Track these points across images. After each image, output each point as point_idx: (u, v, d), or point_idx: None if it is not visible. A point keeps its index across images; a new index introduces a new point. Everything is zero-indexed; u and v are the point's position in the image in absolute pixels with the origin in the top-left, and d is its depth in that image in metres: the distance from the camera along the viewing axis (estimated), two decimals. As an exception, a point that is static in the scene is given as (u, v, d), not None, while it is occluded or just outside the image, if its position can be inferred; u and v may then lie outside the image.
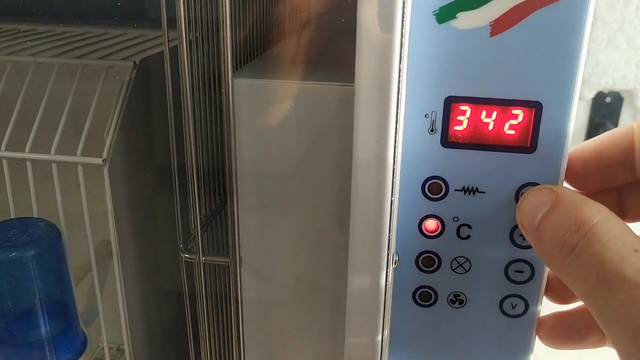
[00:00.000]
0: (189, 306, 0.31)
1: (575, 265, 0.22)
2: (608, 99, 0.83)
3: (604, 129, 0.83)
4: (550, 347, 0.29)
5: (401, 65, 0.23)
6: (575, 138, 0.25)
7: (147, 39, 0.46)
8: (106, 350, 0.41)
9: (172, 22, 0.28)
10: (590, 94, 0.82)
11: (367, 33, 0.23)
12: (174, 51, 0.28)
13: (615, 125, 0.85)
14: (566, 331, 0.29)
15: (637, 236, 0.22)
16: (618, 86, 0.82)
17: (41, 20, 0.50)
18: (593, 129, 0.83)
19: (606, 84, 0.82)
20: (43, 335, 0.35)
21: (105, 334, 0.40)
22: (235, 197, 0.28)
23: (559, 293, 0.29)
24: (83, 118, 0.37)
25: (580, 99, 0.25)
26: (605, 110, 0.83)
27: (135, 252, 0.41)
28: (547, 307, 0.30)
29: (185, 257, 0.29)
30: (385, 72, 0.23)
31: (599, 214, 0.22)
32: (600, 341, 0.28)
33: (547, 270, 0.28)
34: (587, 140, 0.27)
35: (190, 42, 0.28)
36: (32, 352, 0.35)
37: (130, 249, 0.40)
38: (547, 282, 0.28)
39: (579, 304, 0.29)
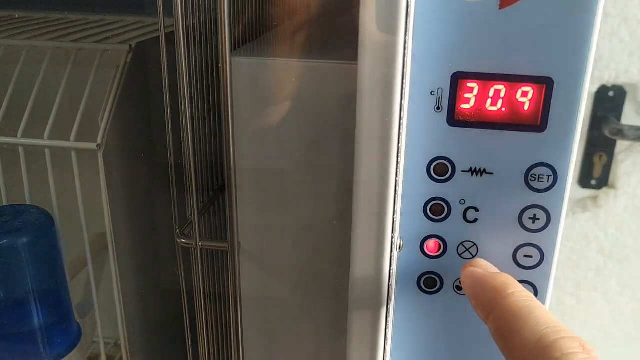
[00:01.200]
0: (186, 295, 0.30)
1: None
2: (611, 93, 0.82)
3: (607, 122, 0.83)
4: None
5: (406, 39, 0.22)
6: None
7: (144, 25, 0.45)
8: (101, 343, 0.40)
9: (169, 8, 0.27)
10: (593, 88, 0.81)
11: (370, 7, 0.22)
12: (171, 36, 0.27)
13: (618, 119, 0.84)
14: None
15: None
16: (621, 80, 0.81)
17: (37, 8, 0.49)
18: (596, 123, 0.82)
19: (609, 78, 0.81)
20: (36, 325, 0.34)
21: (100, 327, 0.39)
22: (233, 181, 0.27)
23: None
24: (77, 104, 0.36)
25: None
26: (608, 104, 0.82)
27: (131, 242, 0.40)
28: (557, 294, 0.29)
29: (182, 242, 0.28)
30: (390, 47, 0.23)
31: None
32: None
33: (557, 255, 0.27)
34: None
35: (187, 26, 0.27)
36: (24, 343, 0.34)
37: (125, 238, 0.39)
38: None
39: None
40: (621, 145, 0.77)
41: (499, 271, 0.25)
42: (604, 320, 0.72)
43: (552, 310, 0.28)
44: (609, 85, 0.82)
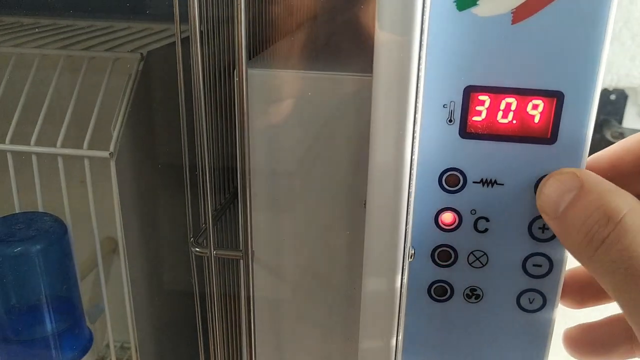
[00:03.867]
0: (199, 301, 0.31)
1: (604, 259, 0.21)
2: (613, 97, 0.83)
3: (609, 126, 0.83)
4: (577, 358, 0.29)
5: (420, 54, 0.23)
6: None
7: (153, 32, 0.45)
8: (112, 348, 0.40)
9: (181, 15, 0.27)
10: (595, 91, 0.82)
11: (385, 21, 0.23)
12: (184, 43, 0.27)
13: (620, 123, 0.85)
14: (593, 343, 0.28)
15: None
16: (623, 83, 0.81)
17: (44, 14, 0.49)
18: (598, 127, 0.82)
19: (611, 82, 0.81)
20: (48, 331, 0.34)
21: (111, 331, 0.40)
22: (247, 189, 0.27)
23: (571, 297, 0.29)
24: (89, 111, 0.36)
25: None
26: (610, 107, 0.83)
27: (141, 249, 0.40)
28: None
29: (196, 252, 0.28)
30: (404, 62, 0.23)
31: (628, 205, 0.21)
32: (629, 352, 0.27)
33: (566, 264, 0.27)
34: (601, 151, 0.27)
35: (201, 33, 0.27)
36: (38, 349, 0.34)
37: (136, 245, 0.40)
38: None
39: (594, 309, 0.29)
40: (622, 148, 0.77)
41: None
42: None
43: (564, 309, 0.29)
44: (611, 88, 0.82)
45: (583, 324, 0.29)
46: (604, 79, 0.85)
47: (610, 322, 0.28)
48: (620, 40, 0.79)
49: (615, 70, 0.81)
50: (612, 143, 0.80)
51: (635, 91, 0.83)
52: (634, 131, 0.77)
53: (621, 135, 0.79)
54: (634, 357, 0.27)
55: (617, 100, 0.83)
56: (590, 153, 0.27)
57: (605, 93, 0.83)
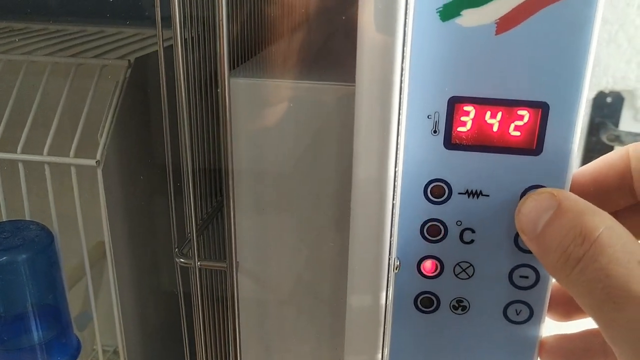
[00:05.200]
0: (185, 310, 0.31)
1: (580, 279, 0.21)
2: (609, 99, 0.82)
3: (605, 129, 0.83)
4: None
5: (403, 64, 0.23)
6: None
7: (144, 37, 0.45)
8: (100, 354, 0.40)
9: (168, 20, 0.27)
10: (591, 94, 0.81)
11: (368, 31, 0.22)
12: (170, 50, 0.27)
13: (616, 125, 0.85)
14: (567, 355, 0.28)
15: None
16: (619, 86, 0.81)
17: (36, 19, 0.49)
18: (594, 129, 0.82)
19: (607, 84, 0.81)
20: (35, 340, 0.34)
21: (99, 338, 0.40)
22: (232, 200, 0.27)
23: (558, 310, 0.29)
24: (77, 118, 0.36)
25: (580, 98, 0.24)
26: (606, 110, 0.83)
27: (130, 255, 0.40)
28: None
29: (181, 262, 0.28)
30: (387, 71, 0.23)
31: (604, 224, 0.21)
32: None
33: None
34: (583, 166, 0.27)
35: (185, 41, 0.27)
36: (24, 358, 0.34)
37: (124, 251, 0.39)
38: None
39: (579, 322, 0.29)
40: (618, 151, 0.77)
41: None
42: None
43: (551, 322, 0.29)
44: (607, 91, 0.82)
45: (560, 335, 0.28)
46: (599, 82, 0.85)
47: (587, 335, 0.28)
48: (617, 42, 0.79)
49: (611, 72, 0.80)
50: (608, 146, 0.80)
51: (632, 94, 0.82)
52: (630, 134, 0.77)
53: (617, 138, 0.79)
54: None
55: (613, 103, 0.83)
56: (586, 155, 0.27)
57: (601, 96, 0.83)
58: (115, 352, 0.48)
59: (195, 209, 0.27)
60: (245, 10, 0.32)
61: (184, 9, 0.27)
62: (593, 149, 0.79)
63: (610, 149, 0.78)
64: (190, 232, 0.28)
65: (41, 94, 0.37)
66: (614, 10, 0.78)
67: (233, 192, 0.27)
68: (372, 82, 0.23)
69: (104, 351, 0.45)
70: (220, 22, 0.24)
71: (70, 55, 0.39)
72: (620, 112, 0.84)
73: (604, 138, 0.84)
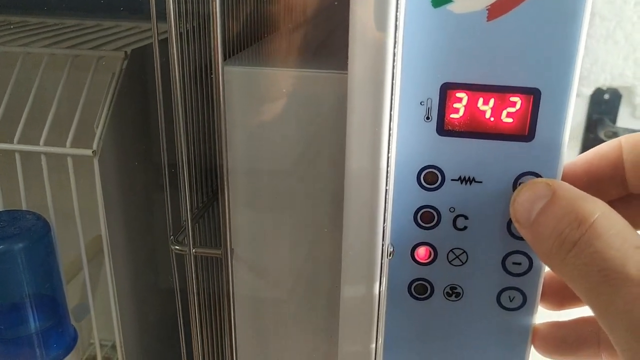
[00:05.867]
0: (181, 301, 0.31)
1: (576, 262, 0.21)
2: (606, 96, 0.83)
3: (602, 125, 0.83)
4: (543, 355, 0.29)
5: (395, 50, 0.23)
6: (573, 135, 0.25)
7: (141, 30, 0.45)
8: (97, 347, 0.40)
9: (164, 13, 0.27)
10: (589, 91, 0.82)
11: (360, 18, 0.23)
12: (165, 43, 0.27)
13: (614, 122, 0.85)
14: (560, 342, 0.28)
15: (638, 233, 0.21)
16: (616, 83, 0.81)
17: (33, 13, 0.49)
18: (591, 126, 0.82)
19: (604, 81, 0.81)
20: (32, 330, 0.34)
21: (96, 330, 0.40)
22: (226, 188, 0.27)
23: (551, 298, 0.29)
24: (73, 110, 0.36)
25: (577, 95, 0.24)
26: (603, 106, 0.83)
27: (127, 247, 0.40)
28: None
29: (176, 249, 0.28)
30: (379, 58, 0.23)
31: (599, 210, 0.21)
32: (595, 355, 0.27)
33: (546, 262, 0.27)
34: (576, 157, 0.27)
35: (180, 33, 0.27)
36: (21, 347, 0.34)
37: (121, 243, 0.39)
38: None
39: (572, 311, 0.29)
40: (616, 147, 0.77)
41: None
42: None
43: (545, 311, 0.29)
44: (604, 88, 0.82)
45: (552, 322, 0.28)
46: (597, 78, 0.85)
47: (579, 323, 0.28)
48: (614, 39, 0.79)
49: (608, 69, 0.80)
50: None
51: (629, 90, 0.83)
52: (628, 130, 0.77)
53: (615, 135, 0.79)
54: None
55: (611, 100, 0.83)
56: (584, 151, 0.27)
57: (598, 92, 0.83)
58: (113, 347, 0.48)
59: (190, 196, 0.27)
60: (241, 2, 0.32)
61: (178, 2, 0.27)
62: (590, 145, 0.79)
63: (608, 145, 0.78)
64: (185, 220, 0.28)
65: (37, 86, 0.37)
66: (611, 7, 0.78)
67: (227, 176, 0.27)
68: (365, 69, 0.23)
69: (101, 345, 0.45)
70: (214, 8, 0.24)
71: (67, 47, 0.39)
72: (617, 108, 0.84)
73: (601, 135, 0.84)
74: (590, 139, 0.85)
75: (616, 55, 0.80)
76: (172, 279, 0.31)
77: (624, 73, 0.81)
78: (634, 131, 0.73)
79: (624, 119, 0.84)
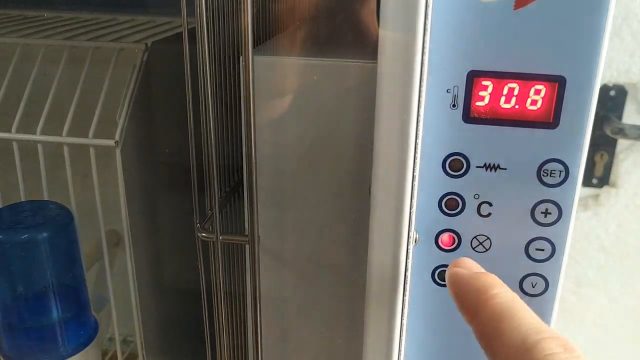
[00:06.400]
0: (205, 290, 0.31)
1: None
2: (612, 92, 0.83)
3: (608, 122, 0.83)
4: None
5: (424, 39, 0.23)
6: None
7: (156, 24, 0.46)
8: (117, 338, 0.40)
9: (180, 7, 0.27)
10: (595, 87, 0.82)
11: (391, 8, 0.23)
12: (189, 33, 0.28)
13: (620, 119, 0.85)
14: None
15: None
16: (622, 79, 0.82)
17: (48, 7, 0.50)
18: (597, 122, 0.82)
19: (610, 77, 0.81)
20: (55, 319, 0.34)
21: (116, 323, 0.40)
22: (254, 174, 0.27)
23: None
24: (94, 102, 0.37)
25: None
26: (609, 103, 0.83)
27: (145, 240, 0.41)
28: (566, 297, 0.29)
29: (202, 237, 0.28)
30: (409, 47, 0.23)
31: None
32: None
33: (568, 248, 0.27)
34: None
35: (207, 24, 0.28)
36: (43, 336, 0.35)
37: (140, 236, 0.40)
38: None
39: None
40: (622, 144, 0.78)
41: (484, 271, 0.25)
42: (605, 318, 0.73)
43: (565, 297, 0.29)
44: (610, 84, 0.83)
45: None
46: (603, 75, 0.86)
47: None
48: (620, 36, 0.80)
49: (615, 66, 0.81)
50: (611, 139, 0.80)
51: (635, 87, 0.83)
52: (634, 127, 0.77)
53: (621, 131, 0.80)
54: None
55: (617, 96, 0.84)
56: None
57: (605, 89, 0.83)
58: (125, 341, 0.49)
59: (218, 182, 0.28)
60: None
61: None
62: (597, 142, 0.79)
63: (614, 142, 0.79)
64: (212, 208, 0.28)
65: (58, 79, 0.37)
66: (618, 3, 0.78)
67: (255, 165, 0.27)
68: (394, 58, 0.24)
69: (124, 341, 0.45)
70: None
71: (87, 40, 0.39)
72: (623, 105, 0.85)
73: (607, 131, 0.85)
74: (596, 136, 0.85)
75: (622, 51, 0.81)
76: (193, 272, 0.31)
77: (630, 70, 0.82)
78: (640, 127, 0.73)
79: (630, 116, 0.84)
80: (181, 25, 0.27)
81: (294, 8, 0.35)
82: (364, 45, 0.31)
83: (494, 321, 0.22)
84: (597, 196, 0.75)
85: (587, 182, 0.73)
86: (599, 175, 0.77)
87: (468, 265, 0.25)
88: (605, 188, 0.74)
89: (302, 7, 0.36)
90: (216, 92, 0.30)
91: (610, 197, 0.74)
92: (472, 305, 0.23)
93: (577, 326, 0.74)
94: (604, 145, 0.79)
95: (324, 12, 0.35)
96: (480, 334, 0.23)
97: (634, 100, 0.84)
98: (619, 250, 0.73)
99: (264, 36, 0.34)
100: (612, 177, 0.76)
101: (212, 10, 0.29)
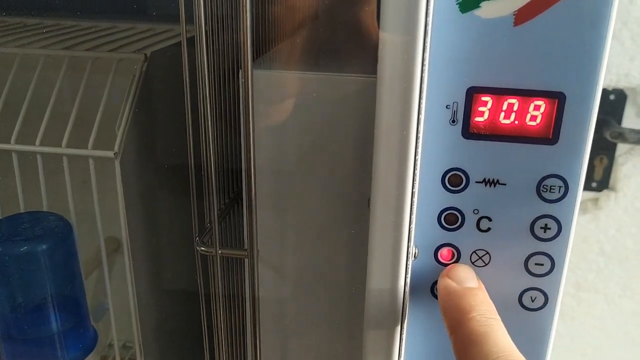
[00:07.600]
0: (204, 300, 0.31)
1: None
2: (612, 96, 0.83)
3: (608, 126, 0.83)
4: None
5: (424, 55, 0.23)
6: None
7: (156, 32, 0.46)
8: (116, 346, 0.40)
9: (177, 17, 0.27)
10: (594, 91, 0.82)
11: (390, 23, 0.23)
12: (189, 42, 0.28)
13: (619, 123, 0.85)
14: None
15: None
16: (622, 84, 0.82)
17: (47, 15, 0.50)
18: (597, 127, 0.82)
19: (610, 81, 0.81)
20: (54, 330, 0.34)
21: (115, 331, 0.40)
22: (253, 188, 0.27)
23: None
24: (94, 112, 0.37)
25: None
26: (609, 107, 0.83)
27: (144, 248, 0.41)
28: (565, 301, 0.29)
29: (202, 250, 0.28)
30: (408, 63, 0.23)
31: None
32: None
33: (567, 263, 0.27)
34: None
35: (206, 34, 0.28)
36: (43, 348, 0.35)
37: (139, 244, 0.40)
38: None
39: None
40: (621, 148, 0.78)
41: (475, 282, 0.26)
42: (604, 321, 0.73)
43: (564, 312, 0.29)
44: (610, 88, 0.83)
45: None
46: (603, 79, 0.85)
47: None
48: (620, 40, 0.79)
49: (614, 70, 0.81)
50: (611, 143, 0.80)
51: (635, 91, 0.83)
52: (633, 131, 0.77)
53: (620, 135, 0.80)
54: None
55: (616, 100, 0.84)
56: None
57: (604, 93, 0.83)
58: (125, 347, 0.49)
59: (218, 197, 0.28)
60: (261, 5, 0.33)
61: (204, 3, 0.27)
62: (596, 146, 0.79)
63: (614, 145, 0.79)
64: (211, 222, 0.28)
65: (58, 89, 0.37)
66: (618, 8, 0.78)
67: (254, 178, 0.27)
68: (394, 73, 0.24)
69: (123, 347, 0.45)
70: (244, 10, 0.24)
71: (86, 49, 0.39)
72: (623, 109, 0.85)
73: (607, 135, 0.85)
74: (595, 140, 0.85)
75: (622, 56, 0.81)
76: (193, 279, 0.31)
77: (629, 74, 0.82)
78: (639, 132, 0.74)
79: (629, 120, 0.84)
80: (178, 35, 0.27)
81: (293, 19, 0.35)
82: (364, 59, 0.31)
83: (468, 343, 0.23)
84: (596, 200, 0.75)
85: (586, 186, 0.74)
86: (599, 179, 0.77)
87: (460, 277, 0.26)
88: (604, 192, 0.74)
89: (301, 18, 0.35)
90: (215, 104, 0.30)
91: (609, 201, 0.74)
92: (452, 322, 0.25)
93: (577, 330, 0.74)
94: (603, 149, 0.79)
95: (323, 23, 0.35)
96: (455, 350, 0.24)
97: (634, 104, 0.84)
98: (618, 254, 0.73)
99: (264, 46, 0.34)
100: (611, 181, 0.76)
101: (212, 20, 0.29)
